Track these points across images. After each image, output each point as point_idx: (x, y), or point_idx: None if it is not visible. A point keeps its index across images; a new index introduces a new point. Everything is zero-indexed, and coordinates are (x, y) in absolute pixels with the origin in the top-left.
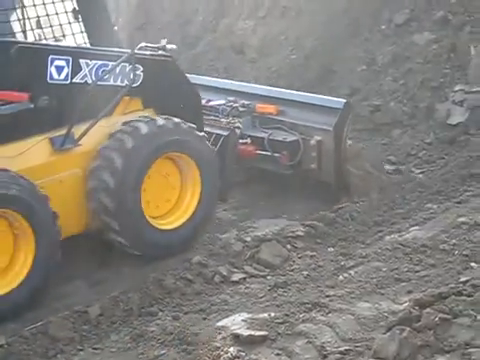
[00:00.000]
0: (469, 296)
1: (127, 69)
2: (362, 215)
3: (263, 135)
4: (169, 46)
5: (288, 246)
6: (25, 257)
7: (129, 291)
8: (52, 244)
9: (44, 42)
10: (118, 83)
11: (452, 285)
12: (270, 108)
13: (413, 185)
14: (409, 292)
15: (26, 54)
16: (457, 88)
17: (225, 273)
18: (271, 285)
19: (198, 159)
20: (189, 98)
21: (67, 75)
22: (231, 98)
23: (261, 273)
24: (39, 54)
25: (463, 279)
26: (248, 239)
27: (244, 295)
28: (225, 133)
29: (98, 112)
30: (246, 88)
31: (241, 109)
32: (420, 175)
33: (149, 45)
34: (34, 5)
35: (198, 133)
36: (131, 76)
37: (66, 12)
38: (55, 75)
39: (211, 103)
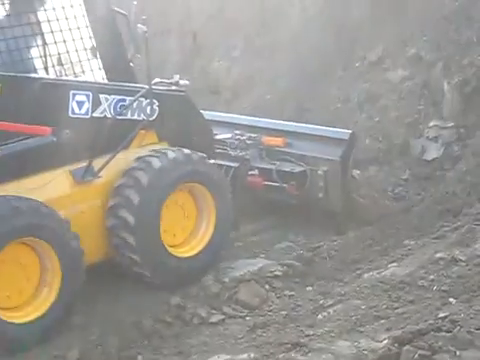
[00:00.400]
0: (448, 332)
1: (144, 104)
2: (340, 253)
3: (271, 166)
4: (182, 81)
5: (266, 286)
6: (50, 288)
7: (107, 334)
8: (77, 271)
9: (66, 78)
10: (135, 117)
11: (431, 321)
12: (277, 140)
13: (390, 221)
14: (388, 329)
15: (49, 89)
16: (431, 124)
17: (204, 315)
18: (250, 326)
19: (211, 187)
20: (202, 131)
21: (87, 109)
22: (237, 131)
23: (240, 314)
24: (61, 89)
25: (442, 315)
26: (226, 280)
27: (223, 336)
28: (235, 165)
29: (116, 146)
30: (253, 122)
31: (248, 142)
32: (397, 211)
33: (163, 81)
34: (55, 42)
35: (209, 162)
36: (148, 110)
37: (85, 49)
38: (76, 109)
39: (218, 137)
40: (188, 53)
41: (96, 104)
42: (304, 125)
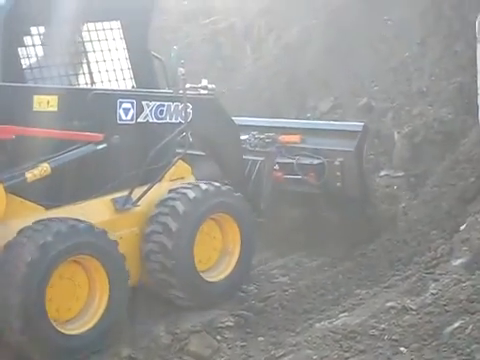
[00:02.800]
0: None
1: (180, 108)
2: (291, 303)
3: (291, 161)
4: (210, 85)
5: (218, 337)
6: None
7: None
8: (123, 286)
9: (113, 88)
10: (173, 120)
11: None
12: (294, 137)
13: (342, 270)
14: None
15: (100, 99)
16: (382, 173)
17: None
18: None
19: (237, 216)
20: (230, 132)
21: (133, 116)
22: (254, 132)
23: None
24: (110, 99)
25: None
26: (177, 331)
27: None
28: (261, 158)
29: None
30: (269, 122)
31: (267, 141)
32: (347, 261)
33: (193, 85)
34: (97, 61)
35: (236, 194)
36: (183, 114)
37: (119, 59)
38: (123, 116)
39: None
40: None
41: (140, 110)
42: (319, 122)
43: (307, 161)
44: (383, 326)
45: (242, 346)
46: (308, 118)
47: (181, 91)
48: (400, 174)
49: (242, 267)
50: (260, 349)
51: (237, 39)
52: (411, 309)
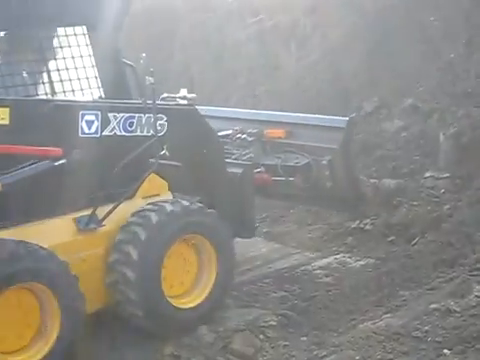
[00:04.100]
0: None
1: (152, 120)
2: (335, 303)
3: (275, 162)
4: (189, 95)
5: (261, 336)
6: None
7: None
8: (77, 322)
9: (74, 99)
10: (145, 133)
11: None
12: (278, 132)
13: (385, 271)
14: None
15: (59, 111)
16: (427, 174)
17: None
18: None
19: (211, 237)
20: (212, 144)
21: (97, 128)
22: (237, 127)
23: None
24: (71, 110)
25: None
26: (221, 329)
27: None
28: (240, 171)
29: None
30: (251, 115)
31: (249, 139)
32: (391, 262)
33: (171, 95)
34: (58, 70)
35: (209, 211)
36: (157, 126)
37: (85, 67)
38: (86, 129)
39: (219, 134)
40: None
41: (105, 123)
42: (304, 115)
43: (292, 162)
44: (426, 328)
45: (285, 346)
46: None
47: (149, 101)
48: (445, 175)
49: (219, 291)
50: (303, 349)
51: (282, 38)
52: (455, 311)
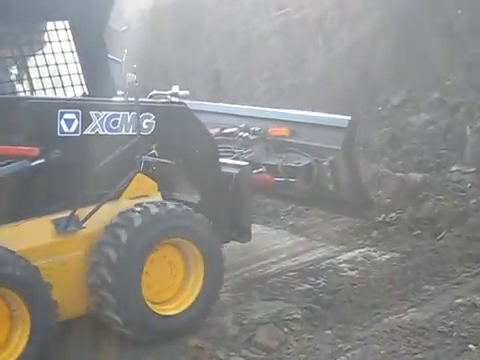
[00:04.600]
0: None
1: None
2: (360, 297)
3: (277, 162)
4: (182, 92)
5: (285, 329)
6: (20, 337)
7: None
8: (48, 327)
9: (52, 96)
10: (130, 132)
11: None
12: (282, 130)
13: (411, 265)
14: None
15: (36, 109)
16: (454, 169)
17: (222, 357)
18: None
19: (198, 241)
20: (204, 143)
21: (78, 127)
22: (242, 125)
23: (258, 356)
24: (48, 108)
25: None
26: (245, 322)
27: None
28: (236, 171)
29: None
30: (255, 112)
31: (252, 137)
32: (417, 256)
33: (161, 92)
34: (37, 66)
35: (196, 215)
36: (140, 125)
37: (67, 64)
38: (65, 128)
39: (224, 131)
40: (211, 93)
41: (87, 121)
42: (307, 113)
43: (293, 163)
44: (452, 323)
45: (309, 339)
46: (379, 111)
47: (131, 99)
48: (472, 170)
49: (205, 298)
50: (327, 342)
51: (309, 31)
52: None
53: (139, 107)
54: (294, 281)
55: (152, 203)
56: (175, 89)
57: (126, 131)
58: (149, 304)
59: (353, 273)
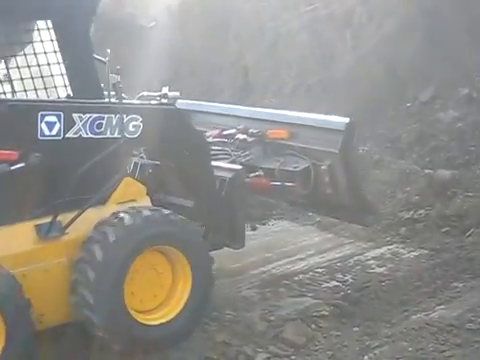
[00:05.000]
0: None
1: (125, 120)
2: (388, 294)
3: (274, 166)
4: (172, 94)
5: (313, 326)
6: None
7: None
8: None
9: (33, 98)
10: (116, 135)
11: None
12: (281, 132)
13: (439, 262)
14: None
15: (14, 112)
16: None
17: (249, 353)
18: None
19: (187, 251)
20: (195, 146)
21: (60, 130)
22: (240, 126)
23: (285, 353)
24: (28, 111)
25: None
26: (272, 318)
27: None
28: (229, 175)
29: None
30: (253, 113)
31: (250, 140)
32: (445, 253)
33: (150, 94)
34: (18, 67)
35: (189, 224)
36: (125, 127)
37: (49, 64)
38: (46, 131)
39: (224, 133)
40: (239, 90)
41: (69, 124)
42: (306, 115)
43: (291, 167)
44: None
45: (337, 336)
46: (408, 108)
47: (114, 100)
48: None
49: (192, 309)
50: (355, 339)
51: (337, 27)
52: None
53: (123, 109)
54: (322, 278)
55: (127, 212)
56: (165, 90)
57: (111, 134)
58: (134, 315)
59: (381, 270)
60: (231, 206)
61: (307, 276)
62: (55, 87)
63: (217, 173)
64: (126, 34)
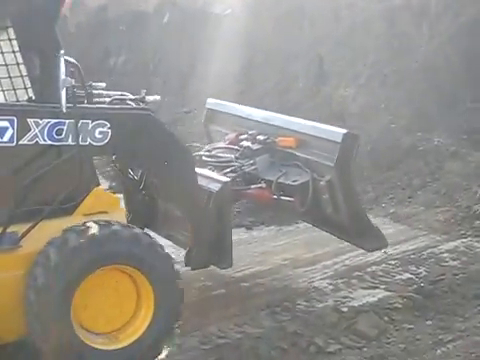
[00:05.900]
0: None
1: (90, 127)
2: (462, 287)
3: (272, 178)
4: (150, 97)
5: (385, 318)
6: None
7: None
8: None
9: None
10: (81, 143)
11: None
12: (289, 141)
13: None
14: None
15: None
16: None
17: (321, 344)
18: (367, 357)
19: (147, 271)
20: (174, 155)
21: (12, 137)
22: (252, 131)
23: (357, 344)
24: None
25: None
26: (345, 310)
27: None
28: (215, 188)
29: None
30: (263, 118)
31: (254, 148)
32: None
33: (125, 97)
34: None
35: (147, 240)
36: (97, 134)
37: (6, 65)
38: None
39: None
40: (313, 79)
41: (24, 130)
42: (312, 124)
43: (290, 180)
44: None
45: (409, 329)
46: None
47: (68, 105)
48: None
49: (151, 337)
50: (428, 333)
51: (413, 16)
52: None
53: (78, 115)
54: (395, 270)
55: (73, 230)
56: (143, 93)
57: (73, 141)
58: (84, 338)
59: (455, 263)
60: (217, 221)
61: (380, 268)
62: (14, 90)
63: (203, 184)
64: (201, 23)
